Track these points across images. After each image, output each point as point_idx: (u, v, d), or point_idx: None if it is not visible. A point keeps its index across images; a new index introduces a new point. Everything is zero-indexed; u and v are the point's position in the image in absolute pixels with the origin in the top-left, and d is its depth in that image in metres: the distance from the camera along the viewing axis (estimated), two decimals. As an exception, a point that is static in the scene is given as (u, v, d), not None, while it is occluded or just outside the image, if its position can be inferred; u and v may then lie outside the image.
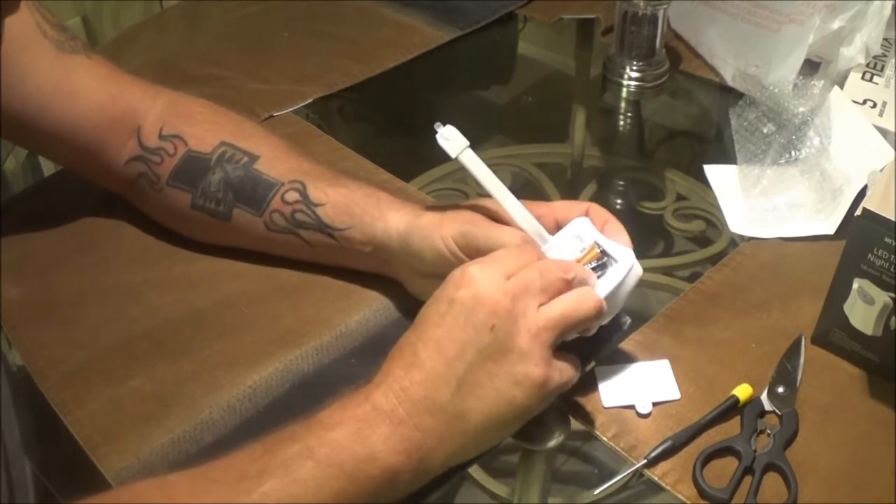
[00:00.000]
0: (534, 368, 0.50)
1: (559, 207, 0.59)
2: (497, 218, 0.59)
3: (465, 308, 0.50)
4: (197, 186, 0.66)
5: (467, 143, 0.57)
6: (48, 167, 0.83)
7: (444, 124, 0.57)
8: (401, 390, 0.49)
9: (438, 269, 0.59)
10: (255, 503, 0.44)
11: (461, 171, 0.81)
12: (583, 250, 0.56)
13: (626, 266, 0.55)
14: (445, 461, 0.51)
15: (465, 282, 0.50)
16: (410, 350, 0.50)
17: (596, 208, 0.59)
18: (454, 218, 0.58)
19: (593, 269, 0.55)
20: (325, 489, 0.46)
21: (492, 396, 0.50)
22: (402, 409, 0.49)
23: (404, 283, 0.64)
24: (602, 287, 0.54)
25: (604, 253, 0.55)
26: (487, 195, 0.57)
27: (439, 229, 0.58)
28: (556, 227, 0.58)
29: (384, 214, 0.62)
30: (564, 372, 0.52)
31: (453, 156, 0.57)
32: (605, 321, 0.56)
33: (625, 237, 0.57)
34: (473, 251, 0.57)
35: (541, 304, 0.51)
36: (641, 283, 0.69)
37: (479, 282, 0.50)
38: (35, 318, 0.66)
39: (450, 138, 0.57)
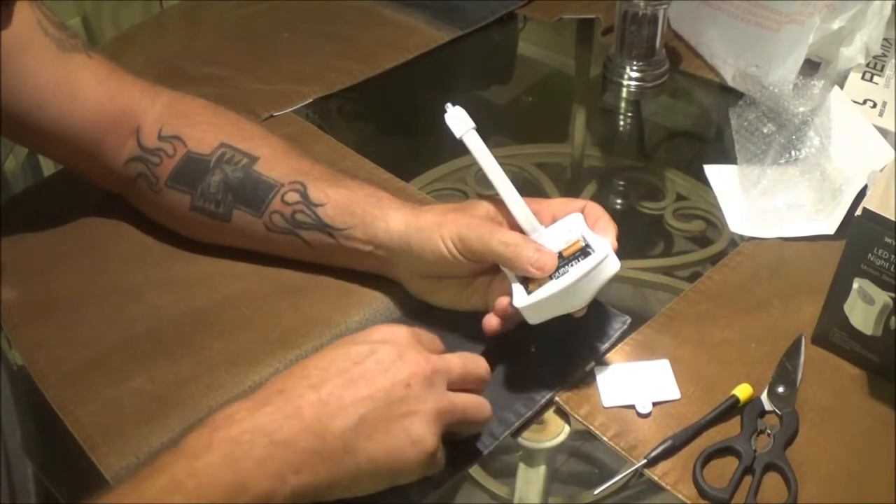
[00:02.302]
0: (431, 437, 0.49)
1: (556, 205, 0.60)
2: (494, 219, 0.59)
3: (388, 358, 0.50)
4: (196, 188, 0.66)
5: (473, 125, 0.58)
6: (48, 167, 0.83)
7: (455, 105, 0.59)
8: (293, 409, 0.47)
9: (439, 270, 0.60)
10: None
11: (461, 171, 0.82)
12: (568, 241, 0.57)
13: (598, 257, 0.55)
14: (320, 492, 0.48)
15: (393, 338, 0.51)
16: (318, 373, 0.49)
17: (592, 206, 0.60)
18: (454, 220, 0.59)
19: (575, 258, 0.56)
20: None
21: (385, 445, 0.48)
22: (287, 428, 0.46)
23: (404, 283, 0.64)
24: (573, 273, 0.55)
25: (587, 245, 0.56)
26: (487, 193, 0.57)
27: (440, 230, 0.58)
28: (552, 224, 0.59)
29: (385, 214, 0.62)
30: (442, 460, 0.52)
31: (458, 135, 0.58)
32: (577, 311, 0.57)
33: (612, 235, 0.58)
34: (469, 254, 0.58)
35: (450, 388, 0.52)
36: (641, 283, 0.70)
37: (406, 343, 0.51)
38: (35, 318, 0.66)
39: (457, 118, 0.58)
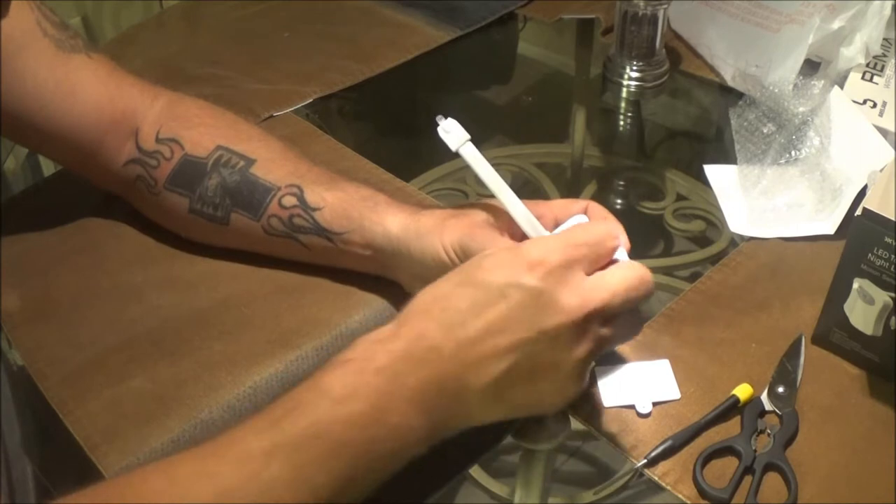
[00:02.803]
0: (574, 385, 0.48)
1: (558, 206, 0.59)
2: (497, 224, 0.58)
3: (534, 304, 0.46)
4: (194, 191, 0.66)
5: (468, 136, 0.56)
6: (48, 167, 0.83)
7: (446, 117, 0.56)
8: (432, 360, 0.45)
9: (439, 276, 0.59)
10: (263, 489, 0.42)
11: (461, 171, 0.82)
12: None
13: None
14: (459, 429, 0.49)
15: (541, 272, 0.46)
16: (457, 314, 0.46)
17: (594, 207, 0.58)
18: (455, 226, 0.58)
19: None
20: (335, 471, 0.43)
21: (526, 396, 0.48)
22: (427, 381, 0.45)
23: (404, 286, 0.64)
24: None
25: None
26: (487, 193, 0.57)
27: (440, 237, 0.57)
28: (554, 226, 0.58)
29: (383, 219, 0.61)
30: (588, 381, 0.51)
31: (453, 149, 0.56)
32: None
33: (622, 237, 0.56)
34: None
35: (604, 323, 0.49)
36: (641, 283, 0.70)
37: (560, 281, 0.46)
38: (35, 318, 0.66)
39: (450, 131, 0.56)
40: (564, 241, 0.49)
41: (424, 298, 0.48)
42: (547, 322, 0.46)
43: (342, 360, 0.46)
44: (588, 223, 0.52)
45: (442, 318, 0.47)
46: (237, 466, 0.43)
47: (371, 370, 0.45)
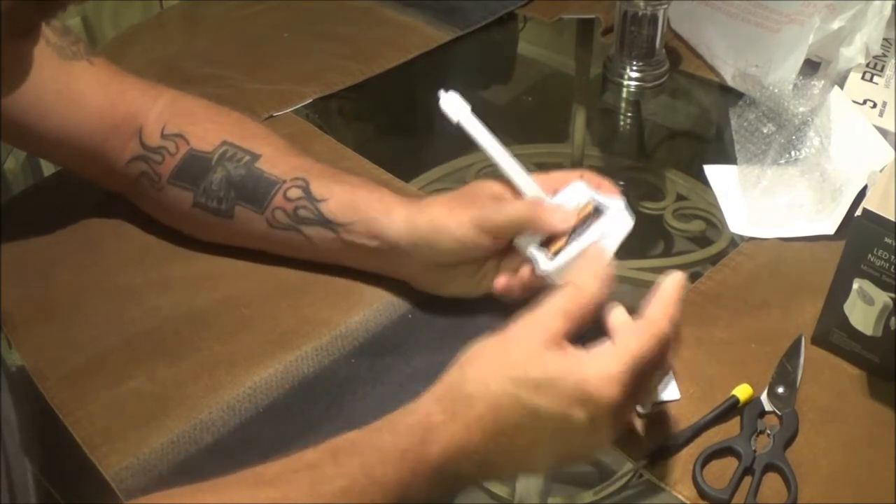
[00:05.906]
0: (599, 448, 0.53)
1: (556, 178, 0.61)
2: (500, 197, 0.60)
3: (577, 426, 0.47)
4: (198, 185, 0.66)
5: (468, 106, 0.58)
6: (48, 167, 0.83)
7: (448, 91, 0.58)
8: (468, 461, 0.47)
9: (456, 256, 0.60)
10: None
11: (461, 171, 0.82)
12: (578, 205, 0.58)
13: (614, 212, 0.57)
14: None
15: (584, 399, 0.46)
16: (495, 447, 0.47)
17: (590, 175, 0.61)
18: (463, 204, 0.60)
19: (590, 219, 0.58)
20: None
21: (553, 464, 0.52)
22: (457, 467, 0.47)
23: (412, 279, 0.64)
24: (594, 230, 0.57)
25: (598, 205, 0.58)
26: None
27: (451, 218, 0.59)
28: (553, 195, 0.60)
29: (389, 210, 0.62)
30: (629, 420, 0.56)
31: (454, 120, 0.58)
32: None
33: (617, 195, 0.59)
34: (494, 229, 0.58)
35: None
36: (642, 284, 0.70)
37: (607, 402, 0.46)
38: (35, 319, 0.66)
39: (452, 103, 0.58)
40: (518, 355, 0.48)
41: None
42: (525, 422, 0.47)
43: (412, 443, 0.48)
44: (557, 299, 0.50)
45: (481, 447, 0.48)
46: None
47: (417, 458, 0.47)
